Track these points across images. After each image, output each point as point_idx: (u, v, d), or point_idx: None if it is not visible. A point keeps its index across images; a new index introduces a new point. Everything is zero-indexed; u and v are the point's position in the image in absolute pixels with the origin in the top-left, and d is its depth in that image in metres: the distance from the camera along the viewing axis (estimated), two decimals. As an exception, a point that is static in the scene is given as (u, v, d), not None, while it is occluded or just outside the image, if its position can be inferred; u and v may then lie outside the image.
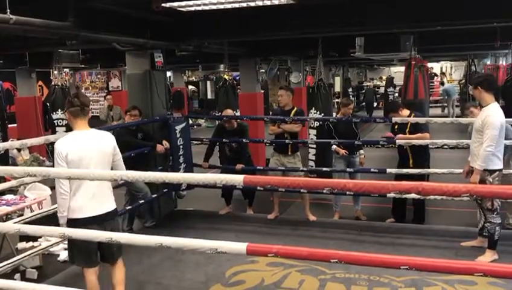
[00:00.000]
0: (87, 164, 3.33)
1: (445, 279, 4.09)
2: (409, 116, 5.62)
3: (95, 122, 6.48)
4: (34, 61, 9.13)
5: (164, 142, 5.95)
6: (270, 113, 15.38)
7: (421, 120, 5.55)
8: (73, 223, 3.35)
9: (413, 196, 5.27)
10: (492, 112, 4.46)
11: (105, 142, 3.49)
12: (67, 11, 4.59)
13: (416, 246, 5.06)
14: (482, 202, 4.60)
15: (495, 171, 4.47)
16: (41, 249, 4.64)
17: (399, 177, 5.53)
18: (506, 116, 4.81)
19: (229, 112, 6.60)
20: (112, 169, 3.51)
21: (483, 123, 4.45)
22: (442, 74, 22.74)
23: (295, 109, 6.04)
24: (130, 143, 5.54)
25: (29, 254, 4.43)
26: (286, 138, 5.98)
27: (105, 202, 3.47)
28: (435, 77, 21.98)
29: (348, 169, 6.10)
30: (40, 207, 5.02)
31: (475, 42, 8.63)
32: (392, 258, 2.50)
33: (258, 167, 6.66)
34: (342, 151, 6.09)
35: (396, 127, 5.75)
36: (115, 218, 3.58)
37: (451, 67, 23.92)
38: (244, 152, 6.35)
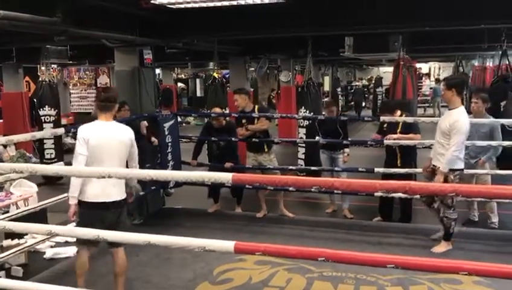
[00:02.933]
0: (106, 151, 3.59)
1: (431, 278, 4.12)
2: (400, 116, 5.67)
3: (87, 119, 6.41)
4: (21, 57, 9.03)
5: (153, 138, 5.94)
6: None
7: (411, 120, 5.59)
8: (86, 205, 3.59)
9: (400, 195, 5.34)
10: (461, 117, 4.62)
11: (124, 134, 3.75)
12: (56, 6, 4.55)
13: (402, 245, 5.10)
14: (444, 199, 4.78)
15: (456, 170, 4.67)
16: (27, 246, 4.58)
17: (386, 176, 5.58)
18: (494, 116, 4.90)
19: (217, 110, 6.59)
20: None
21: (451, 127, 4.59)
22: (426, 74, 22.94)
23: (256, 107, 6.13)
24: None
25: (15, 252, 4.38)
26: (259, 137, 6.02)
27: (116, 189, 3.66)
28: (423, 78, 22.17)
29: (336, 168, 6.15)
30: (26, 204, 4.96)
31: (463, 43, 8.72)
32: (378, 257, 2.52)
33: (248, 166, 6.66)
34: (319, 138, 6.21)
35: (385, 126, 5.79)
36: (122, 207, 3.77)
37: (440, 68, 24.13)
38: (233, 150, 6.34)
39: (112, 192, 3.63)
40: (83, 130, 3.63)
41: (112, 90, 4.27)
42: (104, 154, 3.58)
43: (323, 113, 6.71)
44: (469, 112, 5.87)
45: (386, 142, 5.66)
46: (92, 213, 3.57)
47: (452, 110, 4.70)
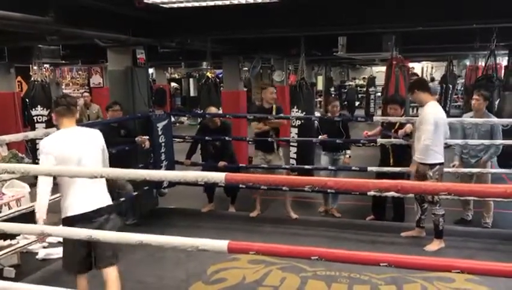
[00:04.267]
0: (76, 161, 3.26)
1: (424, 276, 4.15)
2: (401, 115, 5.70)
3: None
4: (13, 56, 8.96)
5: (146, 142, 5.89)
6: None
7: (401, 119, 5.61)
8: (65, 221, 3.29)
9: (393, 194, 5.36)
10: (428, 110, 4.79)
11: (92, 139, 3.45)
12: (48, 5, 4.52)
13: (396, 243, 5.13)
14: (425, 195, 4.88)
15: (435, 165, 4.76)
16: (20, 247, 4.56)
17: (380, 175, 5.60)
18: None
19: (213, 110, 6.58)
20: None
21: (420, 120, 4.84)
22: (414, 73, 22.95)
23: (274, 105, 6.11)
24: (112, 142, 5.47)
25: (7, 252, 4.36)
26: (271, 135, 6.02)
27: (98, 198, 3.38)
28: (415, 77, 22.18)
29: (329, 167, 6.16)
30: (19, 204, 4.94)
31: (455, 43, 8.76)
32: (371, 256, 2.53)
33: (241, 165, 6.67)
34: (322, 137, 6.15)
35: (384, 123, 5.82)
36: (110, 214, 3.44)
37: (432, 68, 24.20)
38: (227, 150, 6.34)
39: (96, 199, 3.36)
40: (44, 143, 3.30)
41: (71, 95, 3.98)
42: (75, 164, 3.25)
43: (327, 112, 6.62)
44: (469, 109, 5.90)
45: (379, 140, 5.70)
46: (78, 227, 3.17)
47: (424, 106, 4.89)
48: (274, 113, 6.04)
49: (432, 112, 4.77)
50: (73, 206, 3.29)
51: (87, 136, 3.45)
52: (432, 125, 4.69)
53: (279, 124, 6.12)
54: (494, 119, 5.54)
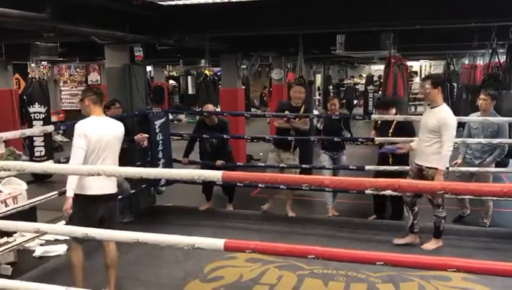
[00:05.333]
0: (103, 146, 3.65)
1: (421, 275, 4.15)
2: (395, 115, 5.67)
3: (77, 116, 6.37)
4: (11, 54, 8.96)
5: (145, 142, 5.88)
6: (251, 109, 15.21)
7: (399, 118, 5.61)
8: (82, 198, 3.62)
9: (391, 193, 5.36)
10: (448, 114, 4.63)
11: (118, 129, 3.85)
12: (45, 2, 4.50)
13: (393, 242, 5.12)
14: (434, 198, 4.83)
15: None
16: (16, 244, 4.55)
17: (378, 174, 5.59)
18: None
19: (210, 107, 6.56)
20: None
21: (439, 124, 4.57)
22: (414, 72, 22.98)
23: (303, 107, 6.02)
24: None
25: (4, 250, 4.34)
26: (292, 134, 5.97)
27: (111, 183, 3.76)
28: (413, 76, 22.22)
29: (327, 166, 6.15)
30: (15, 202, 4.92)
31: (454, 42, 8.76)
32: (368, 254, 2.53)
33: (239, 164, 6.65)
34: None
35: (379, 123, 5.79)
36: (115, 199, 3.93)
37: (430, 66, 24.21)
38: (225, 148, 6.33)
39: (108, 185, 3.72)
40: (82, 124, 3.66)
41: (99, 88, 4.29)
42: (102, 150, 3.65)
43: (327, 110, 6.57)
44: (476, 109, 5.87)
45: (376, 139, 5.69)
46: (89, 206, 3.65)
47: (436, 107, 4.68)
48: (301, 113, 5.93)
49: (452, 115, 4.63)
50: (91, 187, 3.63)
51: (113, 125, 3.84)
52: (455, 131, 4.58)
53: (300, 126, 5.95)
54: (499, 118, 5.46)
